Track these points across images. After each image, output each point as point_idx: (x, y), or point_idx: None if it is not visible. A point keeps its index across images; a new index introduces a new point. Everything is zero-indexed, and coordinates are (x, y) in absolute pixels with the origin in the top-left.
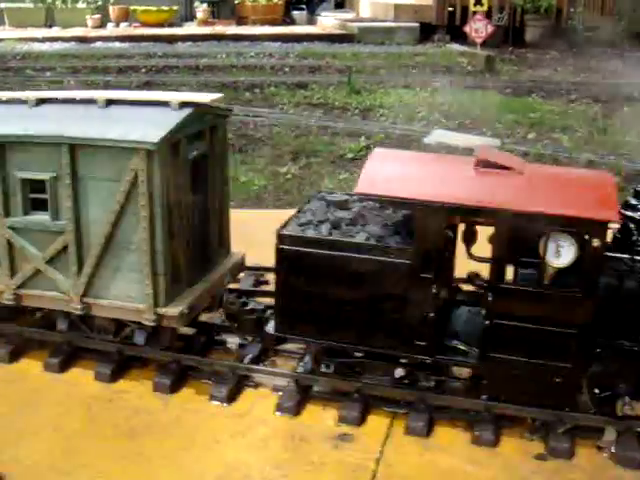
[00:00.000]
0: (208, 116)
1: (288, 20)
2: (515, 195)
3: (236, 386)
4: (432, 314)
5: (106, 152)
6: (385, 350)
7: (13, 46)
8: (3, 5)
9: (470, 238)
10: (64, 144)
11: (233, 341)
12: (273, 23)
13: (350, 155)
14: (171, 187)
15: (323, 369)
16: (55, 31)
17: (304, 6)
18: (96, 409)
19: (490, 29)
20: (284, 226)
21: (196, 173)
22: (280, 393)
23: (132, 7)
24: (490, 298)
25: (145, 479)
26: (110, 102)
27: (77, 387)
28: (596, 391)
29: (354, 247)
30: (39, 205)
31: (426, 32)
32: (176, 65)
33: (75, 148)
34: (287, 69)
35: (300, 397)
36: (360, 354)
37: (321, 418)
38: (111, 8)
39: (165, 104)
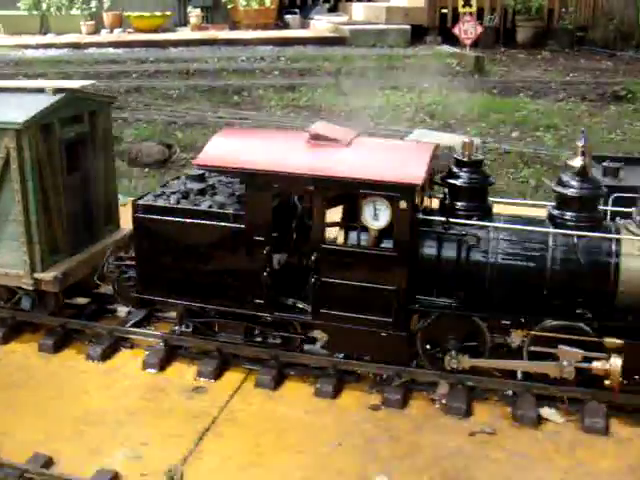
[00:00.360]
0: (86, 101)
1: (281, 24)
2: (336, 164)
3: (112, 346)
4: (266, 274)
5: None
6: (231, 309)
7: (7, 53)
8: None
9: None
10: None
11: (123, 309)
12: (266, 27)
13: None
14: (44, 164)
15: (184, 329)
16: (49, 38)
17: (297, 10)
18: None
19: (479, 30)
20: (141, 197)
21: (74, 153)
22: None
23: (126, 13)
24: (314, 258)
25: (11, 422)
26: None
27: None
28: (428, 347)
29: (197, 214)
30: None
31: (418, 34)
32: (167, 70)
33: None
34: (277, 72)
35: (164, 355)
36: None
37: (183, 373)
38: (105, 14)
39: (40, 91)
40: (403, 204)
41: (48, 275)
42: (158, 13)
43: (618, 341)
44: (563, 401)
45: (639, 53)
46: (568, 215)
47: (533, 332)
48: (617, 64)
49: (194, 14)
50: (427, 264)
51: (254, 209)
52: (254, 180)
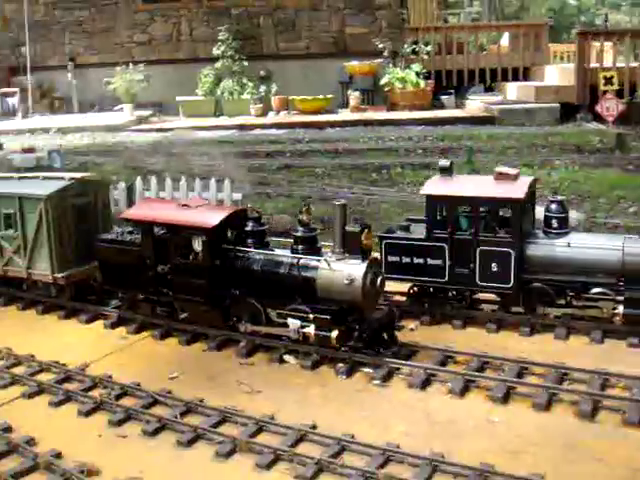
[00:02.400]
0: (90, 184)
1: (437, 105)
2: (203, 217)
3: None
4: (151, 275)
5: (32, 200)
6: (141, 293)
7: (182, 134)
8: (179, 98)
9: None
10: (15, 197)
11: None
12: (421, 108)
13: None
14: (61, 219)
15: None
16: (221, 120)
17: (452, 91)
18: None
19: (621, 107)
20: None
21: (82, 213)
22: None
23: (291, 97)
24: (172, 268)
25: None
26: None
27: None
28: (235, 318)
29: (124, 243)
30: (7, 225)
31: (568, 112)
32: (318, 149)
33: (22, 200)
34: (420, 151)
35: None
36: None
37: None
38: (272, 98)
39: (62, 178)
40: (204, 238)
41: (60, 275)
42: (320, 96)
43: (322, 316)
44: (298, 351)
45: None
46: (297, 247)
47: (278, 310)
48: None
49: (353, 96)
50: (226, 271)
51: (144, 242)
52: (143, 226)
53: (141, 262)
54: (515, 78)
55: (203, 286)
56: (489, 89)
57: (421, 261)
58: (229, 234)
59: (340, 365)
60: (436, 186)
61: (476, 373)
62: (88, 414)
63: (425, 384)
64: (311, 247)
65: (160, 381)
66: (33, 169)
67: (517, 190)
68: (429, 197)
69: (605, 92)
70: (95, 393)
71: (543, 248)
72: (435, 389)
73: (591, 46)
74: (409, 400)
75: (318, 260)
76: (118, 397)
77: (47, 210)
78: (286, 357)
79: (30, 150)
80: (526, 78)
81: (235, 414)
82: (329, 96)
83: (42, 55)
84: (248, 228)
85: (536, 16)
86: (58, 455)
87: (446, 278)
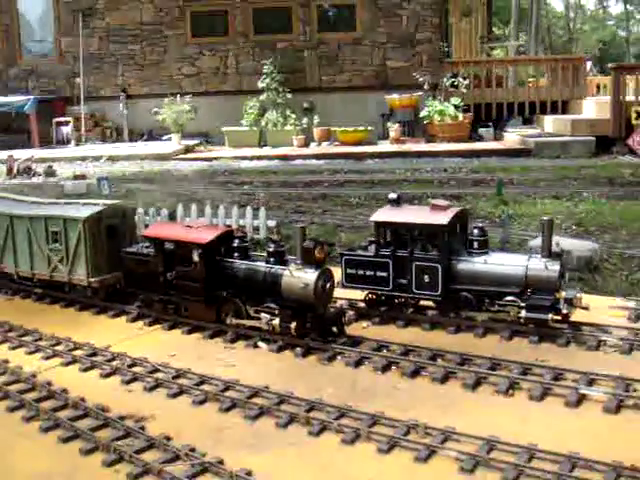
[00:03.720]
0: (120, 208)
1: (476, 137)
2: (187, 235)
3: None
4: (162, 280)
5: (74, 221)
6: (156, 295)
7: (227, 163)
8: (225, 129)
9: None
10: (61, 218)
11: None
12: (459, 140)
13: None
14: (95, 236)
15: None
16: (264, 150)
17: (490, 123)
18: None
19: None
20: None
21: (113, 231)
22: None
23: (332, 128)
24: (175, 275)
25: None
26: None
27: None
28: (224, 314)
29: (142, 255)
30: (54, 240)
31: (604, 145)
32: (355, 179)
33: (66, 220)
34: (453, 182)
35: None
36: None
37: None
38: (314, 129)
39: (98, 204)
40: (200, 251)
41: (94, 280)
42: (361, 128)
43: (285, 311)
44: (268, 339)
45: None
46: (270, 259)
47: (255, 307)
48: None
49: (393, 129)
50: (217, 277)
51: (157, 254)
52: (156, 242)
53: (155, 270)
54: (554, 111)
55: (200, 289)
56: (528, 122)
57: (372, 273)
58: (222, 249)
59: (298, 349)
60: (383, 214)
61: (395, 356)
62: (107, 376)
63: (358, 364)
64: (280, 259)
65: (162, 358)
66: (82, 195)
67: (443, 218)
68: (376, 223)
69: (637, 126)
70: (113, 363)
71: (466, 264)
72: (365, 367)
73: (626, 80)
74: (342, 374)
75: (283, 269)
76: (130, 366)
77: (85, 229)
78: (259, 343)
79: (81, 177)
80: (565, 111)
81: (212, 378)
82: (369, 128)
83: (95, 86)
84: (235, 244)
85: (586, 46)
86: (82, 399)
87: (390, 287)
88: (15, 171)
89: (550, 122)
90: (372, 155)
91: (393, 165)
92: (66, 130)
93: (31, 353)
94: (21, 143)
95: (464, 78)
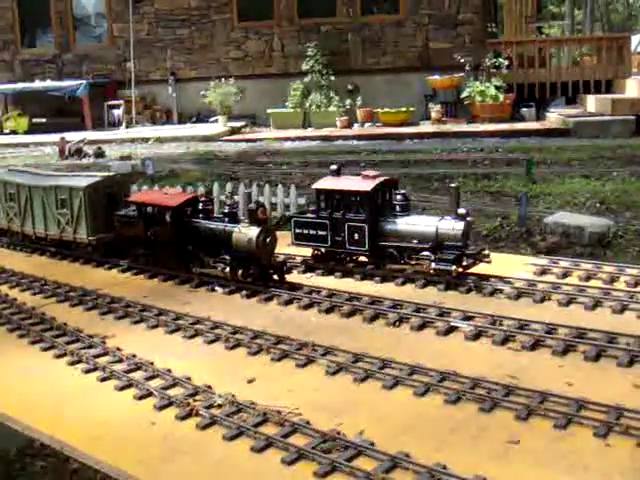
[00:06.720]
0: (116, 177)
1: (518, 117)
2: (162, 201)
3: None
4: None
5: (77, 190)
6: (144, 250)
7: (270, 144)
8: (270, 110)
9: None
10: (67, 187)
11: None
12: (501, 120)
13: (484, 233)
14: (95, 202)
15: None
16: (308, 131)
17: (532, 103)
18: None
19: None
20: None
21: (110, 198)
22: None
23: (375, 109)
24: (154, 231)
25: None
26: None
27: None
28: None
29: (131, 217)
30: (62, 205)
31: None
32: (390, 160)
33: (71, 189)
34: (487, 162)
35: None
36: None
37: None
38: (358, 110)
39: (95, 175)
40: (170, 213)
41: (93, 238)
42: (403, 109)
43: (235, 261)
44: (223, 284)
45: None
46: (224, 219)
47: (214, 259)
48: None
49: (435, 109)
50: (185, 234)
51: (139, 217)
52: (138, 206)
53: (138, 230)
54: (598, 91)
55: (172, 244)
56: (571, 102)
57: (314, 232)
58: (189, 211)
59: (244, 292)
60: (323, 182)
61: (318, 297)
62: (89, 310)
63: (288, 303)
64: (233, 219)
65: (138, 298)
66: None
67: (369, 185)
68: (317, 189)
69: None
70: (97, 301)
71: (390, 224)
72: (293, 306)
73: None
74: (273, 310)
75: (234, 227)
76: (108, 303)
77: (85, 196)
78: (216, 288)
79: (127, 158)
80: (609, 90)
81: (169, 311)
82: (411, 109)
83: (145, 70)
84: (199, 207)
85: None
86: (65, 324)
87: (329, 244)
88: (67, 153)
89: (592, 102)
90: (412, 136)
91: (431, 146)
92: (117, 113)
93: (35, 294)
94: (74, 126)
95: (505, 58)
